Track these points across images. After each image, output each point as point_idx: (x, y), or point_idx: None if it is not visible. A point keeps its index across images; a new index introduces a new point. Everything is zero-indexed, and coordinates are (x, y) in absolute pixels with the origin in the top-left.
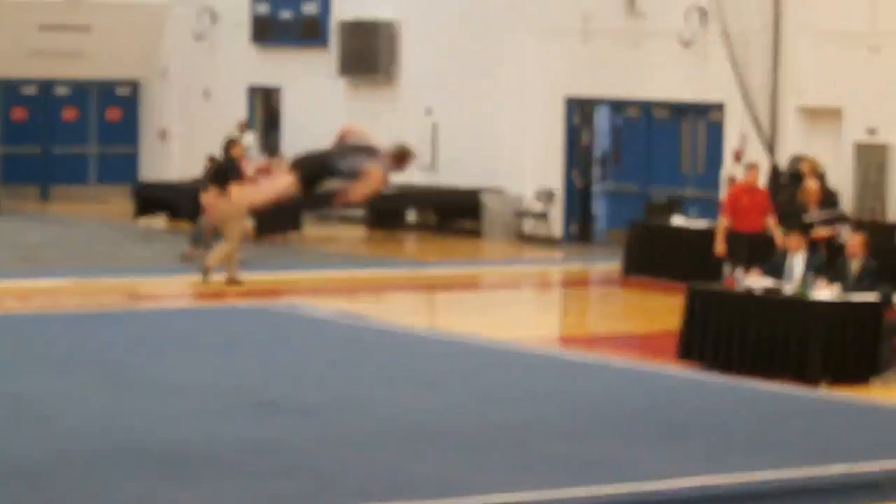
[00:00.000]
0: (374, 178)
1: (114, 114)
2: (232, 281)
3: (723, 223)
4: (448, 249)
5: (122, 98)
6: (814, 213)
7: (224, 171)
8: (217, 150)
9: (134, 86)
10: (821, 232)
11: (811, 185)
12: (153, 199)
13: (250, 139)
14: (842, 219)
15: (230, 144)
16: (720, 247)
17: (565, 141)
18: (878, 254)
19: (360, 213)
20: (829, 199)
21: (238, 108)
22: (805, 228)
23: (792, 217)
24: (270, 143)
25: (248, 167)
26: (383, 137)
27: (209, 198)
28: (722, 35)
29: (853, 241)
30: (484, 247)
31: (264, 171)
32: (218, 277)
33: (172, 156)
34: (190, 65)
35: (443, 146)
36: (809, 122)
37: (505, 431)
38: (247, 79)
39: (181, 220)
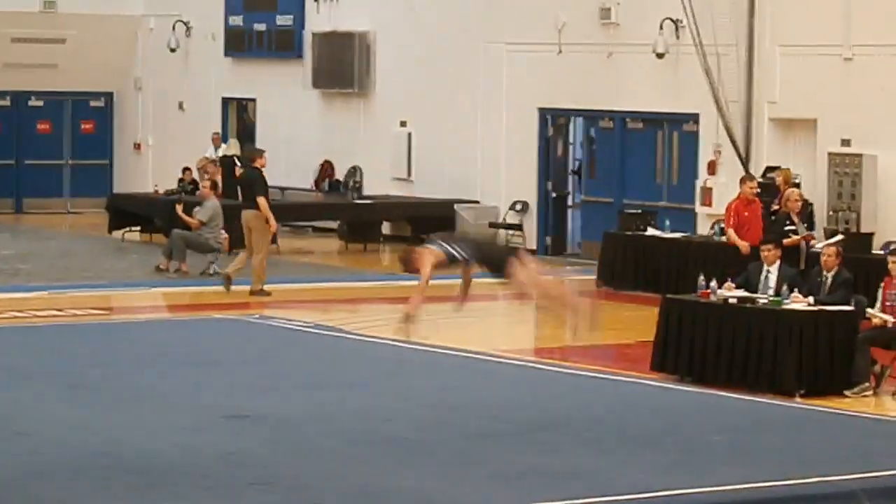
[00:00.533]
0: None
1: (88, 126)
2: (258, 292)
3: (731, 234)
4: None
5: (96, 110)
6: (798, 224)
7: (250, 183)
8: (191, 162)
9: (108, 98)
10: (795, 239)
11: (794, 194)
12: (127, 211)
13: (224, 151)
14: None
15: (253, 155)
16: (744, 246)
17: (540, 153)
18: (852, 265)
19: (334, 225)
20: (804, 209)
21: (212, 120)
22: (779, 240)
23: (766, 228)
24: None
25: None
26: (357, 149)
27: (262, 209)
28: (696, 46)
29: (827, 252)
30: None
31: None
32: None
33: (146, 168)
34: (164, 77)
35: (417, 158)
36: (784, 133)
37: (480, 443)
38: (221, 91)
39: (155, 232)
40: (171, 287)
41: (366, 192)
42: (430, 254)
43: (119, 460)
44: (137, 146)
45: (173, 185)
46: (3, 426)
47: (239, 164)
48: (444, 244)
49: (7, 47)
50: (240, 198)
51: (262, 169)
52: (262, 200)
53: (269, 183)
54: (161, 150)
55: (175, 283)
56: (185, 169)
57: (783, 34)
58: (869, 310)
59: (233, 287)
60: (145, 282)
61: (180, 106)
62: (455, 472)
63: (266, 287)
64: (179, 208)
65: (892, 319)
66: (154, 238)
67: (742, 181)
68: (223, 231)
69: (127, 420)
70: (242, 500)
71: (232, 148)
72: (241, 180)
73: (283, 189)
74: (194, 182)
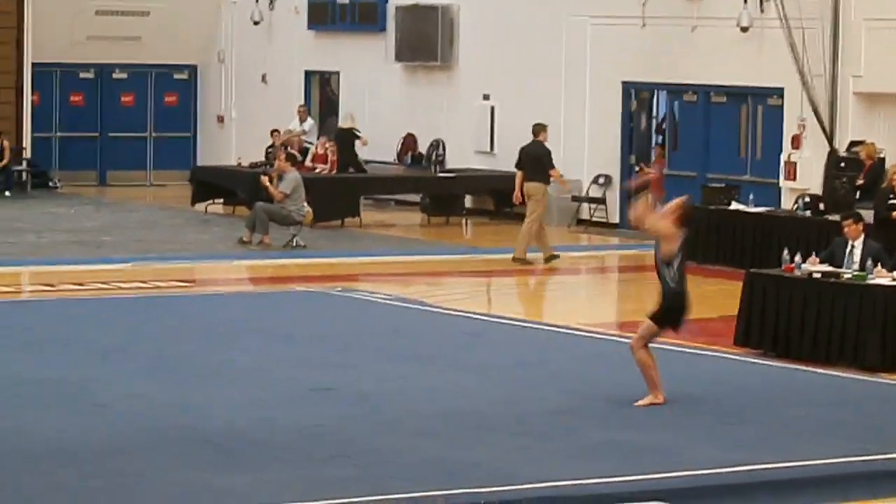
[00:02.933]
0: None
1: (171, 98)
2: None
3: None
4: (505, 235)
5: (180, 83)
6: None
7: (538, 156)
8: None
9: (191, 70)
10: None
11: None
12: (210, 184)
13: (310, 125)
14: None
15: (538, 129)
16: None
17: (623, 126)
18: None
19: (416, 198)
20: None
21: (295, 94)
22: (859, 215)
23: (851, 203)
24: (327, 128)
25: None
26: (440, 122)
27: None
28: (780, 20)
29: None
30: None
31: (320, 158)
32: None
33: (230, 141)
34: (247, 50)
35: (500, 131)
36: (868, 107)
37: (559, 418)
38: (304, 64)
39: (238, 204)
40: (253, 259)
41: (448, 165)
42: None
43: (198, 433)
44: (220, 119)
45: (256, 158)
46: (83, 398)
47: (357, 136)
48: None
49: (91, 20)
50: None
51: (545, 143)
52: (555, 172)
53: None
54: (244, 123)
55: (258, 256)
56: (274, 131)
57: (868, 8)
58: None
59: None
60: (228, 254)
61: (263, 79)
62: (532, 446)
63: (346, 260)
64: (265, 179)
65: None
66: (237, 211)
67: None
68: (306, 204)
69: (206, 393)
70: (321, 474)
71: (348, 121)
72: (527, 154)
73: (366, 162)
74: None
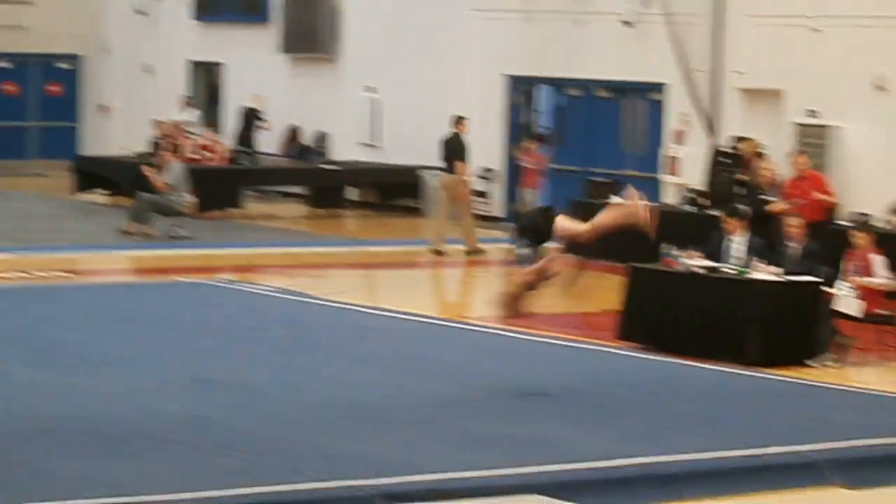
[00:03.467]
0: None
1: (55, 88)
2: (474, 251)
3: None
4: (389, 228)
5: (64, 72)
6: (769, 194)
7: (451, 148)
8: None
9: (75, 60)
10: (777, 207)
11: (765, 165)
12: (93, 173)
13: (193, 115)
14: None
15: (455, 120)
16: None
17: (506, 120)
18: (818, 236)
19: (301, 190)
20: (774, 180)
21: (179, 84)
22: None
23: (732, 198)
24: (210, 118)
25: (188, 144)
26: (324, 114)
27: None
28: (664, 16)
29: (792, 223)
30: (424, 225)
31: (206, 148)
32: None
33: (113, 130)
34: (131, 40)
35: (384, 124)
36: (750, 103)
37: (444, 410)
38: (188, 54)
39: (121, 194)
40: (136, 250)
41: (332, 157)
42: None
43: (82, 423)
44: (104, 108)
45: (139, 148)
46: None
47: (259, 118)
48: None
49: None
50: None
51: (463, 135)
52: (459, 166)
53: (236, 147)
54: (128, 113)
55: (141, 246)
56: (159, 122)
57: (751, 4)
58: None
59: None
60: (111, 244)
61: (148, 69)
62: (419, 438)
63: (230, 251)
64: (147, 169)
65: (844, 293)
66: (120, 201)
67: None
68: (186, 194)
69: (90, 383)
70: (205, 465)
71: (253, 101)
72: (444, 145)
73: (249, 153)
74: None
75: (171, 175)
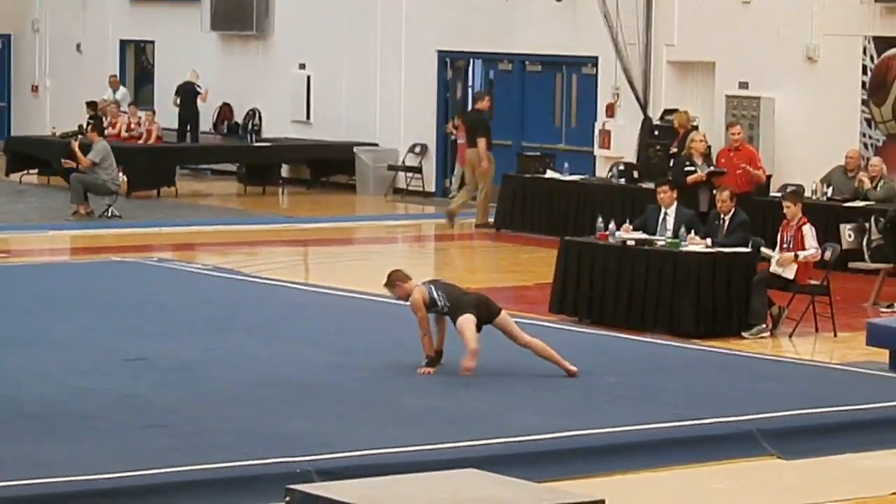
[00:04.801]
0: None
1: None
2: (483, 224)
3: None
4: (322, 204)
5: None
6: (700, 166)
7: (474, 124)
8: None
9: (5, 40)
10: (698, 176)
11: (697, 136)
12: (25, 154)
13: (122, 94)
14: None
15: (477, 97)
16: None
17: (439, 95)
18: (749, 207)
19: (233, 168)
20: (707, 152)
21: (110, 63)
22: (673, 182)
23: (664, 171)
24: (142, 97)
25: (119, 122)
26: (256, 91)
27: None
28: None
29: (721, 195)
30: (358, 201)
31: (135, 126)
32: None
33: (44, 110)
34: (62, 19)
35: (316, 101)
36: (682, 76)
37: (378, 386)
38: (119, 33)
39: (53, 175)
40: (68, 230)
41: (265, 134)
42: (419, 293)
43: (14, 403)
44: (35, 89)
45: (70, 128)
46: None
47: (199, 90)
48: (432, 288)
49: None
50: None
51: (484, 111)
52: (481, 142)
53: (165, 126)
54: (59, 93)
55: (73, 226)
56: (90, 103)
57: None
58: (763, 249)
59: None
60: (43, 225)
61: (78, 48)
62: (351, 414)
63: (163, 230)
64: (75, 144)
65: (776, 256)
66: (52, 181)
67: (731, 126)
68: (121, 173)
69: (22, 363)
70: (138, 444)
71: (192, 76)
72: (467, 122)
73: (188, 132)
74: (97, 117)
75: (97, 153)
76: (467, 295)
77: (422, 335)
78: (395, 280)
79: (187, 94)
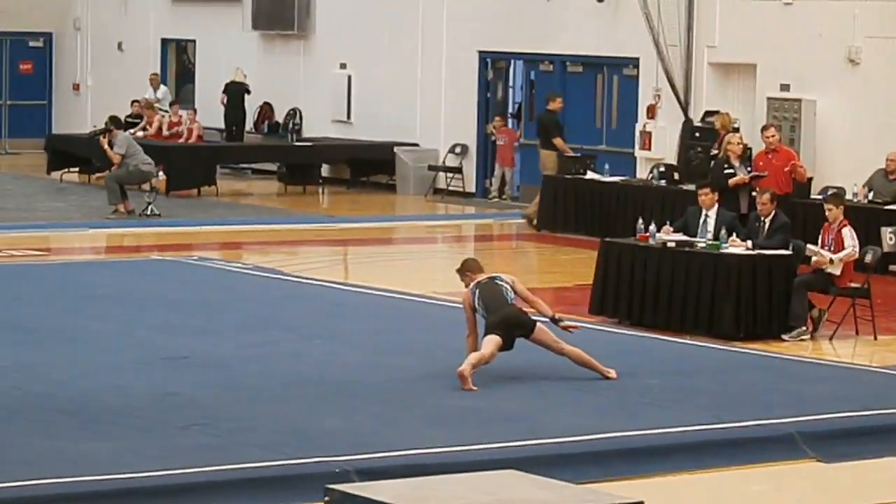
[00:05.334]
0: None
1: (26, 66)
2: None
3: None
4: (362, 204)
5: (35, 50)
6: (739, 168)
7: (545, 126)
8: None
9: (47, 38)
10: (740, 178)
11: (734, 139)
12: (66, 152)
13: (163, 93)
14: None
15: (549, 98)
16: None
17: (479, 96)
18: (791, 210)
19: (273, 167)
20: (743, 154)
21: (152, 62)
22: (715, 184)
23: (705, 173)
24: (184, 96)
25: (155, 121)
26: (297, 91)
27: None
28: None
29: (762, 197)
30: (398, 201)
31: (176, 125)
32: None
33: (85, 109)
34: (103, 18)
35: (357, 100)
36: (723, 78)
37: (418, 386)
38: (160, 32)
39: (93, 173)
40: (109, 228)
41: (305, 134)
42: (467, 294)
43: (54, 401)
44: (76, 87)
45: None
46: None
47: (248, 91)
48: (477, 293)
49: None
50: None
51: (556, 112)
52: (558, 141)
53: (207, 125)
54: (100, 92)
55: (113, 224)
56: (134, 101)
57: None
58: (810, 246)
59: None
60: (84, 223)
61: (119, 47)
62: (390, 414)
63: (203, 229)
64: (104, 142)
65: (830, 256)
66: (92, 179)
67: (765, 129)
68: (161, 172)
69: (63, 360)
70: (177, 441)
71: (238, 76)
72: (539, 123)
73: (222, 131)
74: (140, 116)
75: (120, 145)
76: (501, 310)
77: (466, 334)
78: (466, 269)
79: (235, 94)
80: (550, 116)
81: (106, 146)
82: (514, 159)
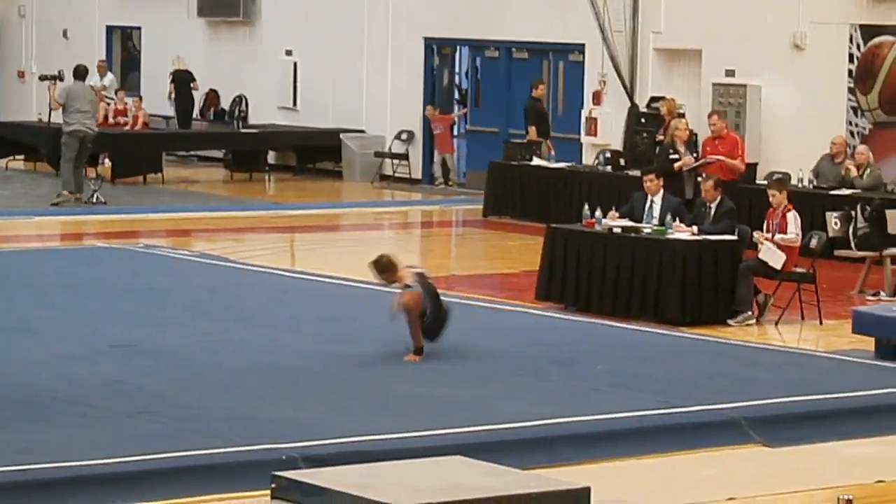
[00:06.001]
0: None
1: None
2: None
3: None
4: (309, 191)
5: None
6: (684, 154)
7: (526, 112)
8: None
9: None
10: (686, 160)
11: (681, 124)
12: (11, 140)
13: (110, 80)
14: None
15: (533, 84)
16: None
17: (425, 82)
18: (736, 195)
19: (219, 154)
20: (689, 139)
21: (97, 49)
22: (660, 170)
23: (651, 159)
24: (129, 84)
25: (101, 108)
26: (242, 78)
27: None
28: None
29: (706, 184)
30: (344, 188)
31: (121, 113)
32: None
33: (30, 97)
34: (48, 5)
35: (303, 87)
36: (668, 64)
37: (364, 373)
38: (106, 19)
39: (39, 161)
40: (54, 216)
41: (251, 121)
42: (418, 299)
43: (0, 390)
44: (21, 74)
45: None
46: None
47: (193, 79)
48: (426, 299)
49: None
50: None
51: (539, 98)
52: (531, 130)
53: (153, 112)
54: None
55: (59, 213)
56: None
57: None
58: (756, 233)
59: None
60: (29, 211)
61: (65, 34)
62: (337, 401)
63: (149, 216)
64: (52, 87)
65: (767, 236)
66: (38, 167)
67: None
68: (107, 159)
69: (8, 350)
70: (126, 430)
71: (181, 63)
72: (526, 110)
73: (167, 118)
74: None
75: (60, 94)
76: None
77: (412, 330)
78: (387, 269)
79: (182, 83)
80: (531, 103)
81: (51, 92)
82: (453, 146)
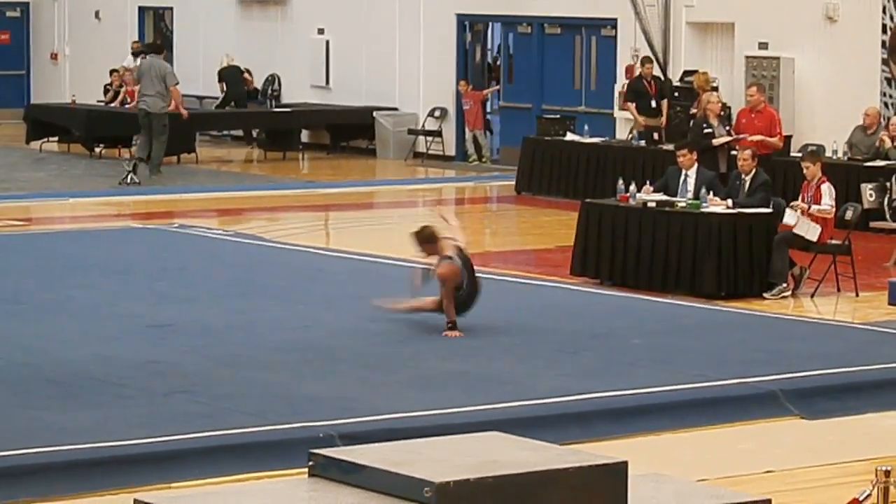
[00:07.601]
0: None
1: (3, 36)
2: None
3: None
4: (342, 169)
5: (12, 20)
6: (717, 127)
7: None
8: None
9: (24, 8)
10: (724, 139)
11: (713, 98)
12: (45, 122)
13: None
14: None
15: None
16: None
17: (458, 59)
18: (770, 168)
19: (253, 133)
20: (723, 113)
21: (129, 30)
22: (693, 144)
23: (685, 133)
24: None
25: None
26: (275, 57)
27: None
28: None
29: (743, 154)
30: (378, 166)
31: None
32: None
33: (63, 78)
34: None
35: (335, 66)
36: (701, 37)
37: (401, 350)
38: (138, 0)
39: (73, 142)
40: (89, 198)
41: (284, 100)
42: (457, 272)
43: (38, 370)
44: (54, 56)
45: (90, 95)
46: None
47: (249, 75)
48: (465, 272)
49: None
50: None
51: (645, 76)
52: (629, 106)
53: (185, 93)
54: (78, 61)
55: (93, 194)
56: (113, 71)
57: None
58: (793, 203)
59: None
60: (64, 192)
61: (96, 15)
62: (374, 378)
63: (183, 196)
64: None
65: (804, 206)
66: (72, 148)
67: (749, 87)
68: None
69: (45, 330)
70: (162, 409)
71: (229, 61)
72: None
73: (200, 98)
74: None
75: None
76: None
77: (446, 303)
78: (429, 240)
79: (232, 77)
80: (634, 81)
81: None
82: (483, 122)
